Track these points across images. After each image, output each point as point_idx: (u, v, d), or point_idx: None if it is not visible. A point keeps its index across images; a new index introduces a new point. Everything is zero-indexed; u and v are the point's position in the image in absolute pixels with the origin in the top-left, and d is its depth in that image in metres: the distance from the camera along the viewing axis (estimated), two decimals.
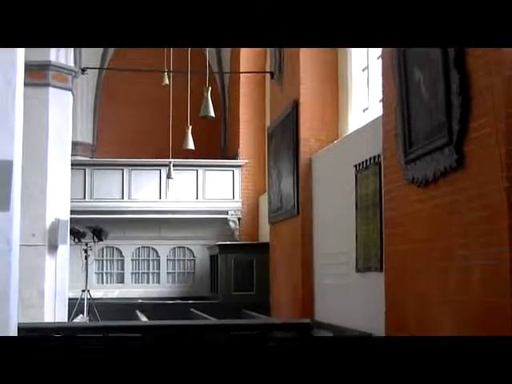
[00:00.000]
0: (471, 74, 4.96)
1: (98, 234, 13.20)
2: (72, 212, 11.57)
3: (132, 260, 15.96)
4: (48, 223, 10.45)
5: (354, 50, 9.60)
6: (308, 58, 10.07)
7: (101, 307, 12.66)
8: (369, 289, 7.66)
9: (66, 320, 10.77)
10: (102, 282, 15.85)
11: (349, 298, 8.39)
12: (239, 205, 15.25)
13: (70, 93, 11.17)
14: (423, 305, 5.71)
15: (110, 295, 15.33)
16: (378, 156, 7.36)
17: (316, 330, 9.18)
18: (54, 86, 10.77)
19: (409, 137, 5.94)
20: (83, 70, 12.56)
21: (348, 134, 9.34)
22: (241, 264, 13.59)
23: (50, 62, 10.75)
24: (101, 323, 11.04)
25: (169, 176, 13.32)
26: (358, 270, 8.05)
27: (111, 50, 16.99)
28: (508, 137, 4.50)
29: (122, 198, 14.92)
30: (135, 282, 15.94)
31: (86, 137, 17.15)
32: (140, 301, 14.34)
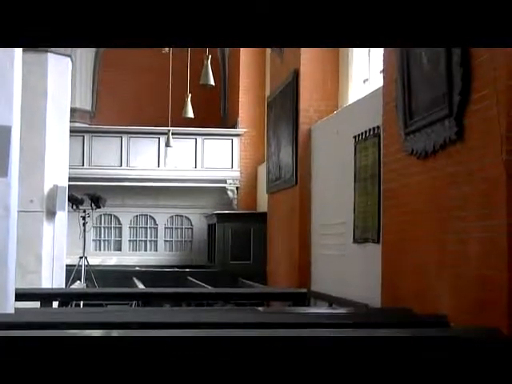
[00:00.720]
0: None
1: (96, 201, 13.20)
2: (70, 179, 11.55)
3: (130, 228, 15.99)
4: (46, 190, 10.42)
5: None
6: None
7: (98, 274, 12.71)
8: (366, 260, 7.69)
9: (64, 286, 10.80)
10: (100, 249, 15.89)
11: (346, 268, 8.42)
12: (238, 174, 15.24)
13: (68, 59, 11.07)
14: (419, 277, 5.73)
15: (108, 262, 15.38)
16: (378, 127, 7.35)
17: (313, 300, 9.23)
18: (53, 52, 10.67)
19: (409, 108, 5.92)
20: None
21: (348, 104, 9.31)
22: (238, 233, 13.62)
23: None
24: (98, 289, 11.09)
25: (167, 144, 13.28)
26: (355, 241, 8.07)
27: None
28: (508, 109, 4.48)
29: (121, 166, 14.90)
30: (133, 250, 15.98)
31: (85, 103, 17.06)
32: (137, 268, 14.39)
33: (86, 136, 14.89)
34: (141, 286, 10.63)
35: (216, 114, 17.48)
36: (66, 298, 8.50)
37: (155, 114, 15.66)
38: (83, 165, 14.71)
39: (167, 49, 12.84)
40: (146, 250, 16.01)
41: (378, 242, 7.23)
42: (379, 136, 7.30)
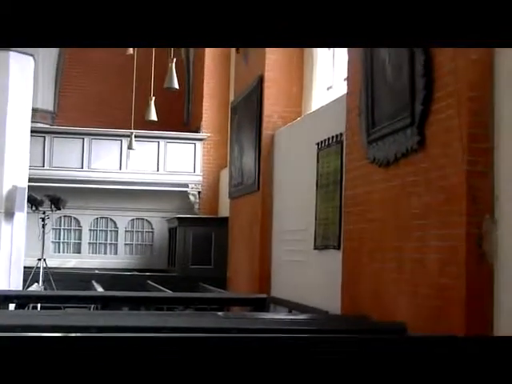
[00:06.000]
0: (436, 56, 4.98)
1: (56, 202, 13.04)
2: (30, 180, 11.42)
3: (90, 230, 15.84)
4: (5, 190, 10.30)
5: None
6: None
7: (57, 276, 12.55)
8: (326, 267, 7.71)
9: (21, 288, 10.67)
10: (59, 252, 15.70)
11: (306, 274, 8.44)
12: (200, 178, 15.20)
13: (31, 58, 10.96)
14: (379, 284, 5.77)
15: (67, 265, 15.20)
16: (341, 135, 7.38)
17: (272, 306, 9.23)
18: (15, 51, 10.55)
19: (372, 117, 5.97)
20: None
21: (311, 111, 9.34)
22: (199, 238, 13.57)
23: None
24: (56, 292, 10.96)
25: (130, 147, 13.18)
26: (316, 248, 8.09)
27: None
28: (470, 120, 4.54)
29: (82, 168, 14.76)
30: (92, 253, 15.82)
31: (47, 104, 16.86)
32: (97, 271, 14.25)
33: (47, 137, 14.72)
34: (100, 289, 10.52)
35: (179, 117, 17.41)
36: (23, 300, 8.39)
37: (118, 116, 15.54)
38: (44, 166, 14.53)
39: (131, 50, 12.76)
40: (105, 253, 15.86)
41: (338, 248, 7.26)
42: (342, 143, 7.33)
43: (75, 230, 15.82)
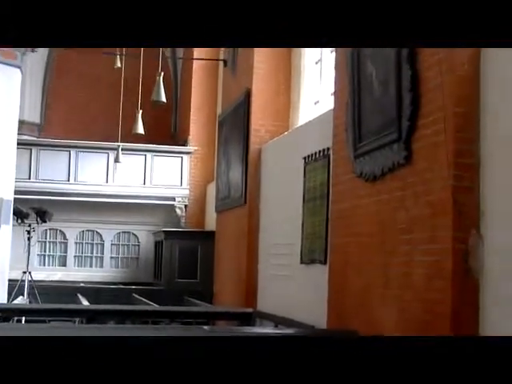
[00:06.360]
0: (423, 71, 5.01)
1: (42, 215, 12.98)
2: (16, 192, 11.36)
3: (76, 243, 15.77)
4: None
5: None
6: (262, 49, 10.05)
7: (42, 290, 12.48)
8: (313, 281, 7.70)
9: (6, 301, 10.59)
10: (44, 265, 15.62)
11: (292, 289, 8.43)
12: (187, 192, 15.18)
13: (18, 70, 10.93)
14: (365, 298, 5.77)
15: (52, 278, 15.12)
16: (328, 149, 7.40)
17: (258, 320, 9.21)
18: (2, 63, 10.52)
19: (359, 131, 5.98)
20: (33, 48, 12.32)
21: (298, 125, 9.37)
22: (186, 251, 13.54)
23: None
24: (41, 305, 10.89)
25: (117, 160, 13.17)
26: (302, 262, 8.08)
27: None
28: (456, 135, 4.56)
29: (68, 180, 14.71)
30: (78, 266, 15.75)
31: (34, 116, 16.84)
32: (82, 284, 14.18)
33: (34, 149, 14.67)
34: (85, 302, 10.46)
35: (167, 130, 17.42)
36: (7, 313, 8.32)
37: (105, 129, 15.52)
38: (30, 178, 14.48)
39: (119, 64, 12.77)
40: (91, 266, 15.79)
41: (325, 263, 7.26)
42: (329, 158, 7.35)
43: (61, 242, 15.75)
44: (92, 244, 15.87)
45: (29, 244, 12.87)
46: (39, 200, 13.77)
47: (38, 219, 12.96)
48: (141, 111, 11.55)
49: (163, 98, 9.33)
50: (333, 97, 7.09)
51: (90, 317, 8.23)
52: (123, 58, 13.01)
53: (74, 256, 15.76)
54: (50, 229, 15.39)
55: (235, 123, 10.81)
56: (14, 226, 11.47)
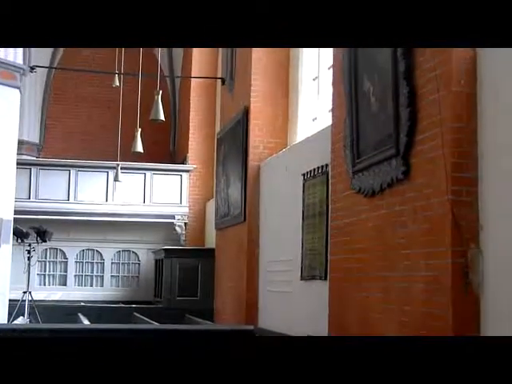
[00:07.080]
0: (420, 87, 5.04)
1: (42, 234, 12.97)
2: (16, 212, 11.36)
3: (76, 262, 15.75)
4: None
5: (305, 59, 9.67)
6: (259, 66, 10.11)
7: (42, 309, 12.45)
8: (313, 297, 7.70)
9: (6, 321, 10.56)
10: (45, 284, 15.59)
11: (293, 305, 8.42)
12: (186, 210, 15.18)
13: (17, 90, 10.97)
14: (366, 314, 5.76)
15: (53, 297, 15.09)
16: (326, 165, 7.42)
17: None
18: (2, 83, 10.56)
19: (357, 147, 6.01)
20: (32, 68, 12.37)
21: (297, 142, 9.39)
22: (186, 269, 13.52)
23: None
24: (41, 325, 10.86)
25: (116, 179, 13.17)
26: (302, 278, 8.08)
27: (61, 49, 16.76)
28: (453, 150, 4.58)
29: (68, 200, 14.71)
30: (78, 285, 15.72)
31: (33, 136, 16.86)
32: (83, 304, 14.15)
33: (33, 169, 14.68)
34: (86, 321, 10.44)
35: (166, 149, 17.45)
36: (7, 333, 8.29)
37: (104, 148, 15.56)
38: (30, 198, 14.48)
39: (118, 83, 12.81)
40: (91, 285, 15.76)
41: (325, 278, 7.26)
42: (327, 174, 7.37)
43: (61, 262, 15.73)
44: (92, 263, 15.85)
45: (29, 264, 12.86)
46: (39, 219, 13.76)
47: (38, 239, 12.96)
48: (140, 130, 11.58)
49: (162, 117, 9.35)
50: (330, 113, 7.12)
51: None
52: (121, 76, 13.07)
53: (75, 275, 15.73)
54: (50, 248, 15.37)
55: (234, 141, 10.83)
56: (13, 245, 11.46)
